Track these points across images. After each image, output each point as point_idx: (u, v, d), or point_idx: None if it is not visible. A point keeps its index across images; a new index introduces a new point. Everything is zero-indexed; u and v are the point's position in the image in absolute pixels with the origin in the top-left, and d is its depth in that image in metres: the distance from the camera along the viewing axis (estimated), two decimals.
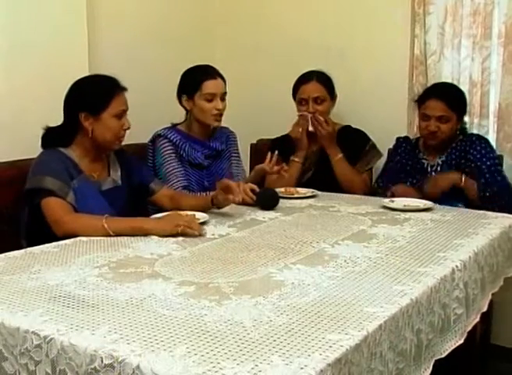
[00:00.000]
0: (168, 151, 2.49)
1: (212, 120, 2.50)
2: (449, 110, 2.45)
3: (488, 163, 2.44)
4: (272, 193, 2.31)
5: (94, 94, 2.03)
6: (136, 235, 1.82)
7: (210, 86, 2.46)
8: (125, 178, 2.19)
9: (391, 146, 2.77)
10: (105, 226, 1.81)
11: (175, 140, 2.50)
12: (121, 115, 2.04)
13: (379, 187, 2.65)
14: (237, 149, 2.72)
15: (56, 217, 1.90)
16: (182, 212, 2.03)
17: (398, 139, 2.72)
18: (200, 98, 2.47)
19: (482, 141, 2.52)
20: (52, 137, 2.06)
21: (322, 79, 2.75)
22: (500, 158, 2.59)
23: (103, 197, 2.07)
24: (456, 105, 2.48)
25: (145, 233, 1.83)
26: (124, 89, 2.08)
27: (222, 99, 2.49)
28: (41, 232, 1.90)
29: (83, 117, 2.01)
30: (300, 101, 2.75)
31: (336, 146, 2.72)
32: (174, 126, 2.58)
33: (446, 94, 2.49)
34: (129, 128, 2.08)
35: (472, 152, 2.48)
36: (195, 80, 2.49)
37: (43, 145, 2.07)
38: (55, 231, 1.88)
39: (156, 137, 2.53)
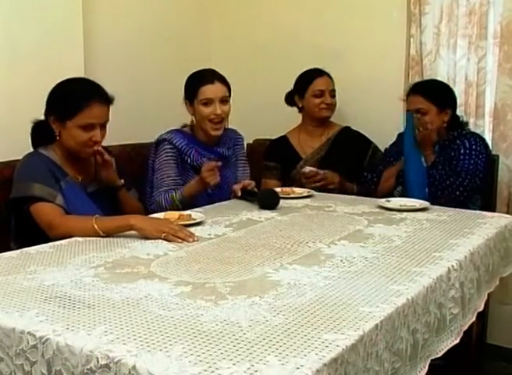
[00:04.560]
0: (167, 158, 2.44)
1: (210, 128, 2.45)
2: (426, 102, 2.49)
3: (466, 168, 2.44)
4: (273, 193, 2.31)
5: (64, 101, 1.99)
6: (125, 232, 1.82)
7: (206, 91, 2.43)
8: None
9: (387, 146, 2.77)
10: (95, 226, 1.80)
11: (180, 145, 2.46)
12: (88, 127, 1.97)
13: (371, 180, 2.65)
14: (244, 153, 2.69)
15: (47, 221, 1.89)
16: (177, 213, 2.02)
17: (401, 135, 2.71)
18: (198, 104, 2.45)
19: (473, 138, 2.49)
20: (37, 135, 2.06)
21: (330, 76, 2.80)
22: (496, 158, 2.60)
23: (90, 199, 2.05)
24: (432, 96, 2.51)
25: (131, 229, 1.81)
26: (105, 101, 2.01)
27: (223, 103, 2.44)
28: (31, 236, 1.88)
29: (52, 120, 2.00)
30: (316, 93, 2.76)
31: (347, 184, 2.72)
32: (181, 129, 2.54)
33: (423, 88, 2.55)
34: (98, 142, 2.00)
35: (460, 149, 2.48)
36: (193, 86, 2.48)
37: (32, 141, 2.07)
38: (48, 235, 1.86)
39: (160, 141, 2.48)
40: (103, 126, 2.02)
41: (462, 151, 2.47)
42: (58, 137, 2.01)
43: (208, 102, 2.43)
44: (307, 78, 2.79)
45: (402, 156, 2.57)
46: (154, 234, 1.78)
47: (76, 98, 1.98)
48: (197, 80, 2.47)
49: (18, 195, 1.95)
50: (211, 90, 2.44)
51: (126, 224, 1.82)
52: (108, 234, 1.81)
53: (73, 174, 2.06)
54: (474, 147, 2.47)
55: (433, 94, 2.52)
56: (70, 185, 2.01)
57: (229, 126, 2.66)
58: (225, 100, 2.45)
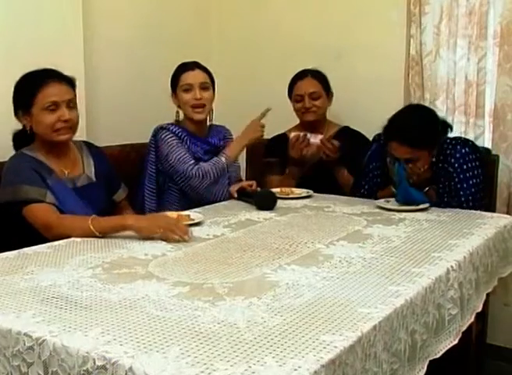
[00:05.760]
0: (173, 140, 2.48)
1: (191, 112, 2.51)
2: (415, 151, 2.22)
3: (465, 184, 2.26)
4: (270, 193, 2.31)
5: (21, 91, 2.00)
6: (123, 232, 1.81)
7: (186, 77, 2.51)
8: (99, 174, 2.15)
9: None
10: (91, 227, 1.79)
11: (177, 132, 2.51)
12: (52, 107, 1.96)
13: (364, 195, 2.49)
14: None
15: (43, 222, 1.87)
16: (175, 213, 2.02)
17: (375, 140, 2.54)
18: (180, 91, 2.52)
19: (459, 154, 2.28)
20: (18, 141, 2.06)
21: (317, 75, 2.76)
22: (496, 158, 2.58)
23: (79, 194, 2.03)
24: (421, 143, 2.22)
25: (127, 229, 1.81)
26: (63, 80, 2.00)
27: (204, 89, 2.50)
28: (23, 239, 1.83)
29: (21, 116, 2.00)
30: (296, 98, 2.75)
31: (340, 164, 2.68)
32: (173, 123, 2.58)
33: (408, 137, 2.21)
34: (68, 120, 1.98)
35: (452, 173, 2.28)
36: (175, 76, 2.55)
37: (15, 147, 2.07)
38: (44, 235, 1.85)
39: (159, 130, 2.52)
40: (69, 107, 1.99)
41: (457, 179, 2.26)
42: (29, 132, 2.00)
43: (188, 88, 2.50)
44: (291, 82, 2.78)
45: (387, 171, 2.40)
46: (151, 230, 1.77)
47: (31, 83, 1.99)
48: (179, 69, 2.55)
49: (7, 200, 1.93)
50: (191, 76, 2.51)
51: (123, 224, 1.82)
52: (105, 235, 1.80)
53: (59, 169, 2.03)
54: (464, 167, 2.26)
55: (421, 140, 2.22)
56: (56, 182, 1.98)
57: (226, 126, 2.69)
58: (205, 87, 2.51)
